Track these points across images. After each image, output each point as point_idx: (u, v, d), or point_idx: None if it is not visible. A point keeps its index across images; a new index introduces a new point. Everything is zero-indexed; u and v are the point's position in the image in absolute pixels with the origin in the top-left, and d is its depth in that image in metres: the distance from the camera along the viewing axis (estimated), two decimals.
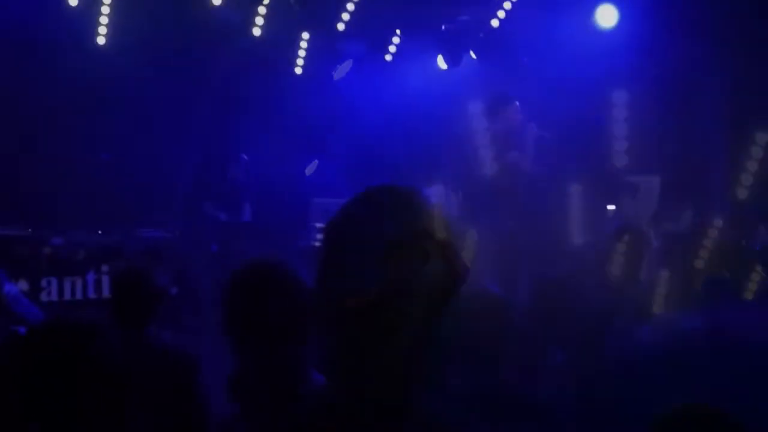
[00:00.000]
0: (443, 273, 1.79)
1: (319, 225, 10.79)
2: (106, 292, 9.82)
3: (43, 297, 9.68)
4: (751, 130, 10.91)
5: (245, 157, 11.99)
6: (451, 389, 3.56)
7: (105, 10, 10.70)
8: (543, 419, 3.66)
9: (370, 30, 12.18)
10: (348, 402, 1.77)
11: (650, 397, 3.64)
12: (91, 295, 10.03)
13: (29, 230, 10.30)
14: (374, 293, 1.72)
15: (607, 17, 11.67)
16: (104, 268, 9.94)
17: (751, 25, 10.77)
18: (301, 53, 12.27)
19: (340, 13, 11.55)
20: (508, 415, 3.56)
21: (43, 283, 9.80)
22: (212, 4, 10.75)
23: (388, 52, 12.72)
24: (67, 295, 9.89)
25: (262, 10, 11.08)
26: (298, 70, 12.39)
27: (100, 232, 10.79)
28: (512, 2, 11.96)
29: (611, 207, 11.41)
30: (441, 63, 12.76)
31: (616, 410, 4.24)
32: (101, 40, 10.90)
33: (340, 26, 11.70)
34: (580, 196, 10.69)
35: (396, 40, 12.52)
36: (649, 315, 6.22)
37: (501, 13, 12.16)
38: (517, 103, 10.43)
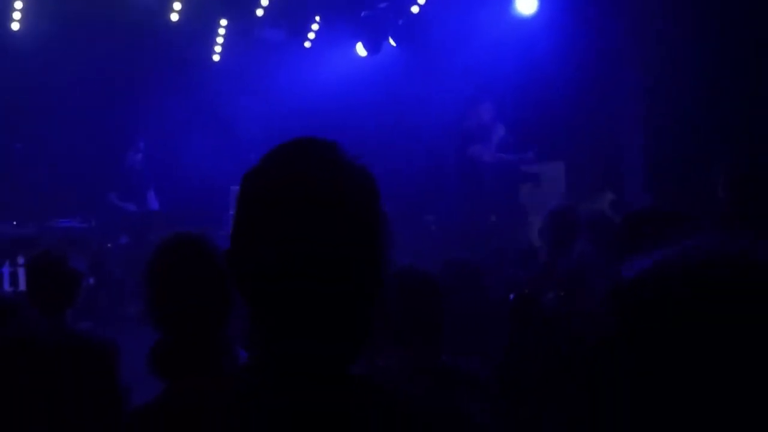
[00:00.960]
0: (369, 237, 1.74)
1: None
2: (22, 286, 9.61)
3: None
4: (665, 119, 11.10)
5: (142, 144, 11.78)
6: (388, 367, 3.53)
7: None
8: (480, 391, 3.64)
9: (289, 17, 12.07)
10: (273, 378, 1.70)
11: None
12: (7, 287, 9.84)
13: None
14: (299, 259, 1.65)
15: (526, 5, 11.72)
16: (20, 260, 9.72)
17: (665, 13, 10.92)
18: (219, 40, 12.13)
19: (259, 0, 11.45)
20: (445, 388, 3.55)
21: None
22: None
23: (307, 39, 12.64)
24: None
25: None
26: (216, 58, 12.26)
27: (15, 223, 10.58)
28: None
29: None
30: (360, 50, 12.74)
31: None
32: (15, 26, 10.67)
33: (259, 12, 11.59)
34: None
35: (315, 27, 12.44)
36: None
37: (421, 0, 12.16)
38: (488, 103, 11.03)
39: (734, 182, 10.09)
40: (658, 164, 11.34)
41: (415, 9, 12.31)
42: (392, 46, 12.69)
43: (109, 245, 10.99)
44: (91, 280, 9.57)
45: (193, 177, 11.75)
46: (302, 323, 1.67)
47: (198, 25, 11.72)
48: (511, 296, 5.15)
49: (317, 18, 12.29)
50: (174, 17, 11.14)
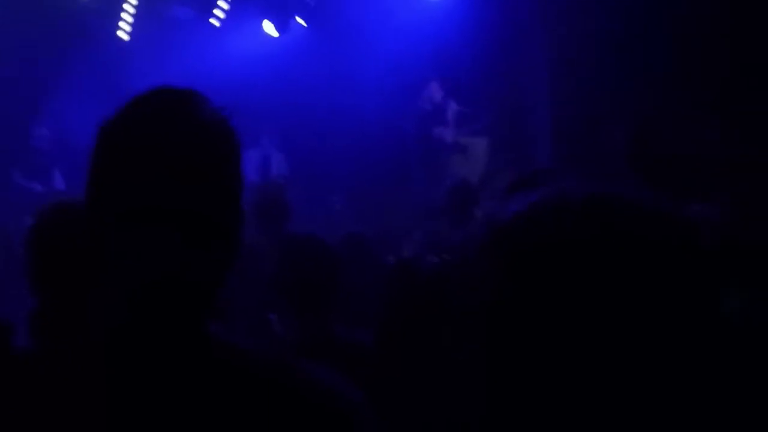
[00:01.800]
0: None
1: None
2: None
3: None
4: (573, 102, 11.33)
5: (47, 120, 11.53)
6: (276, 335, 3.56)
7: None
8: (370, 364, 3.69)
9: None
10: (124, 333, 1.72)
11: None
12: None
13: None
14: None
15: None
16: None
17: None
18: (128, 18, 11.97)
19: None
20: (334, 360, 3.60)
21: None
22: None
23: (214, 16, 12.55)
24: None
25: None
26: (124, 35, 12.09)
27: None
28: None
29: None
30: (268, 29, 12.68)
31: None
32: None
33: None
34: None
35: (224, 5, 12.36)
36: None
37: None
38: (436, 82, 11.36)
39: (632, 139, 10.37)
40: (564, 134, 11.58)
41: None
42: (302, 26, 12.67)
43: (14, 226, 10.78)
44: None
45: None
46: (152, 281, 1.66)
47: (105, 2, 11.55)
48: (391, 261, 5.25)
49: None
50: None
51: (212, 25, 12.59)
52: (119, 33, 12.02)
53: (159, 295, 1.66)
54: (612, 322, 1.12)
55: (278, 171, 12.15)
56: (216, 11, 12.42)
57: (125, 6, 11.81)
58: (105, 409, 1.70)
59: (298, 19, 12.46)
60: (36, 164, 11.28)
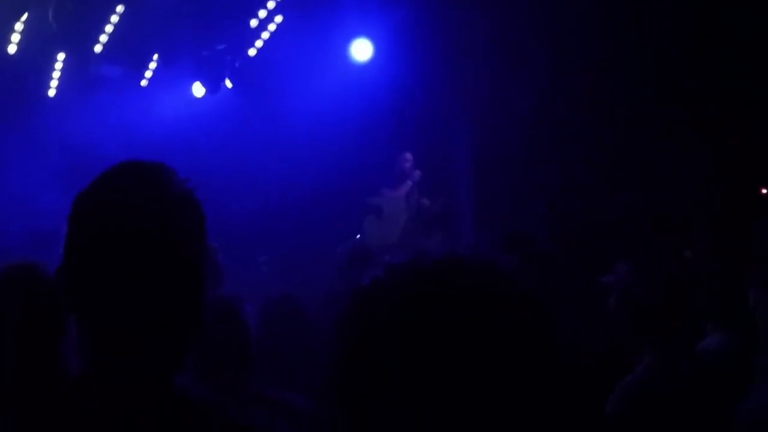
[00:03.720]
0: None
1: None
2: None
3: None
4: (491, 157, 11.64)
5: None
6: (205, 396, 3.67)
7: None
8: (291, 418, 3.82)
9: (127, 53, 11.99)
10: (96, 388, 1.83)
11: None
12: None
13: None
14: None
15: (361, 51, 12.05)
16: None
17: (486, 53, 11.48)
18: (56, 74, 11.95)
19: (98, 35, 11.32)
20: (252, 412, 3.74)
21: None
22: None
23: (144, 77, 12.60)
24: None
25: (18, 26, 10.72)
26: (52, 92, 12.07)
27: None
28: (270, 32, 12.13)
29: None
30: (197, 90, 12.77)
31: None
32: None
33: (98, 48, 11.48)
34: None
35: (153, 65, 12.42)
36: None
37: (258, 43, 12.32)
38: (408, 153, 11.79)
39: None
40: (485, 200, 11.87)
41: (252, 52, 12.45)
42: (228, 87, 12.77)
43: None
44: None
45: (25, 212, 11.43)
46: (125, 340, 1.81)
47: (35, 59, 11.50)
48: None
49: (155, 57, 12.25)
50: (11, 49, 10.93)
51: (139, 84, 12.60)
52: (48, 91, 11.94)
53: (133, 350, 1.81)
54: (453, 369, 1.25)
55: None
56: (146, 72, 12.45)
57: (55, 64, 11.75)
58: None
59: (227, 81, 12.55)
60: None
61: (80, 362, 1.88)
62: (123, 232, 1.80)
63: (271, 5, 11.65)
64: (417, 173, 11.71)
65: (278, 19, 11.97)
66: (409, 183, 11.59)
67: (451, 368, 1.26)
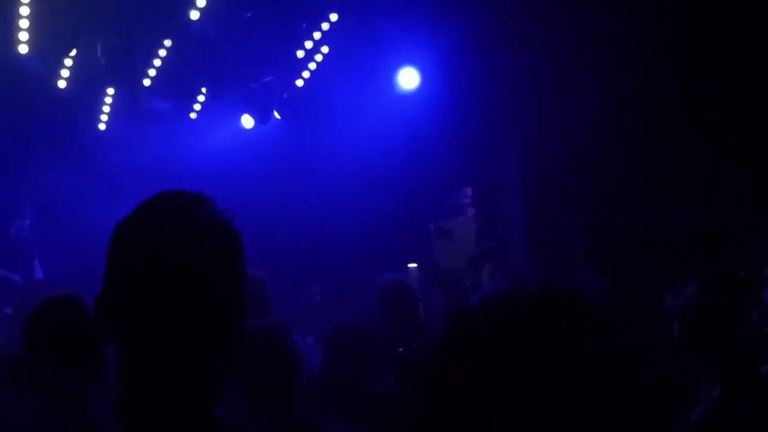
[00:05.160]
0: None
1: None
2: None
3: None
4: (542, 186, 11.59)
5: (28, 212, 11.57)
6: (245, 426, 3.64)
7: None
8: None
9: (175, 88, 12.12)
10: (137, 420, 1.81)
11: None
12: None
13: None
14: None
15: (408, 80, 12.05)
16: None
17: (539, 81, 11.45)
18: (106, 108, 12.09)
19: (146, 69, 11.45)
20: None
21: None
22: (18, 52, 10.41)
23: (193, 110, 12.72)
24: None
25: (68, 62, 10.87)
26: (102, 126, 12.21)
27: None
28: (317, 63, 12.20)
29: (412, 265, 11.78)
30: (246, 122, 12.85)
31: None
32: None
33: (146, 82, 11.61)
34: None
35: (201, 98, 12.53)
36: None
37: (306, 74, 12.39)
38: (469, 189, 11.63)
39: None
40: (536, 227, 11.80)
41: (300, 83, 12.52)
42: (277, 118, 12.84)
43: None
44: None
45: (80, 245, 11.53)
46: (161, 371, 1.80)
47: (85, 94, 11.66)
48: (399, 350, 5.29)
49: (203, 90, 12.36)
50: (61, 84, 11.09)
51: (189, 117, 12.72)
52: (99, 125, 12.09)
53: (175, 382, 1.80)
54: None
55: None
56: (194, 105, 12.56)
57: (105, 99, 11.89)
58: None
59: (275, 113, 12.63)
60: (16, 256, 11.26)
61: (118, 392, 1.86)
62: (160, 263, 1.80)
63: (317, 36, 11.71)
64: (471, 212, 11.59)
65: (325, 49, 12.02)
66: (473, 211, 11.53)
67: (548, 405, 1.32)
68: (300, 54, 11.97)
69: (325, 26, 11.58)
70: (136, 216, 1.89)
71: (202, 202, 1.90)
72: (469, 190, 11.62)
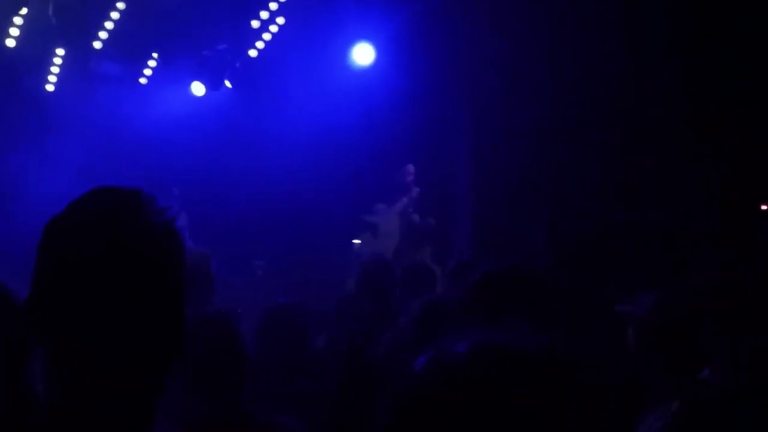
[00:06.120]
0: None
1: None
2: None
3: None
4: (492, 169, 11.59)
5: None
6: (185, 416, 3.58)
7: None
8: None
9: (126, 52, 11.96)
10: (69, 426, 1.75)
11: None
12: None
13: None
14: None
15: (363, 55, 11.99)
16: None
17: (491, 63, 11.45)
18: (54, 69, 11.88)
19: (98, 31, 11.27)
20: None
21: None
22: None
23: (143, 75, 12.56)
24: None
25: (18, 20, 10.67)
26: (50, 87, 12.01)
27: None
28: (272, 34, 12.09)
29: (357, 241, 11.74)
30: (196, 89, 12.72)
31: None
32: None
33: (97, 45, 11.43)
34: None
35: (153, 63, 12.37)
36: None
37: (260, 44, 12.28)
38: (411, 166, 11.47)
39: (554, 241, 10.66)
40: (483, 218, 11.81)
41: (253, 53, 12.40)
42: (229, 87, 12.73)
43: None
44: None
45: (17, 209, 11.30)
46: (97, 375, 1.72)
47: (34, 53, 11.44)
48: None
49: (155, 55, 12.20)
50: (10, 43, 10.88)
51: (138, 82, 12.57)
52: (47, 85, 11.89)
53: (104, 384, 1.72)
54: None
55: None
56: (145, 70, 12.41)
57: (54, 59, 11.69)
58: None
59: (226, 82, 12.51)
60: None
61: (46, 392, 1.78)
62: (93, 266, 1.71)
63: (273, 6, 11.61)
64: (416, 191, 11.47)
65: (280, 20, 11.92)
66: (405, 200, 11.43)
67: None
68: (255, 24, 11.87)
69: None
70: (69, 214, 1.80)
71: (140, 200, 1.81)
72: (411, 168, 11.51)
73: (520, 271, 3.11)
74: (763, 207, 12.64)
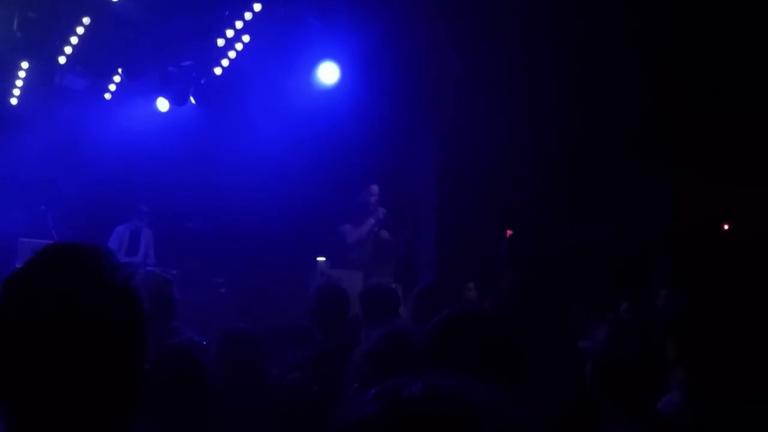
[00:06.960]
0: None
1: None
2: None
3: None
4: (456, 188, 11.65)
5: None
6: None
7: None
8: None
9: (91, 67, 11.92)
10: None
11: None
12: None
13: None
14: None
15: (328, 74, 12.04)
16: None
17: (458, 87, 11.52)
18: (18, 83, 11.83)
19: (63, 46, 11.24)
20: None
21: None
22: None
23: (108, 90, 12.53)
24: None
25: None
26: (14, 101, 11.95)
27: None
28: (237, 52, 12.10)
29: (321, 258, 11.72)
30: (161, 105, 12.71)
31: None
32: None
33: (62, 60, 11.39)
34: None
35: (117, 79, 12.35)
36: None
37: (225, 62, 12.28)
38: (375, 186, 11.39)
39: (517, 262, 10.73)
40: (447, 238, 11.87)
41: (218, 70, 12.41)
42: (193, 104, 12.72)
43: None
44: None
45: None
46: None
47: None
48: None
49: (119, 70, 12.18)
50: None
51: (103, 98, 12.54)
52: (11, 99, 11.83)
53: None
54: None
55: (146, 247, 12.03)
56: (110, 85, 12.39)
57: (18, 72, 11.64)
58: None
59: (191, 98, 12.51)
60: None
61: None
62: (49, 325, 1.70)
63: (239, 25, 11.62)
64: (381, 211, 11.39)
65: (246, 38, 11.93)
66: (372, 221, 11.37)
67: None
68: (220, 42, 11.86)
69: (248, 16, 11.48)
70: (27, 272, 1.80)
71: (97, 257, 1.81)
72: (375, 188, 11.48)
73: (483, 317, 3.09)
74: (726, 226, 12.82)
